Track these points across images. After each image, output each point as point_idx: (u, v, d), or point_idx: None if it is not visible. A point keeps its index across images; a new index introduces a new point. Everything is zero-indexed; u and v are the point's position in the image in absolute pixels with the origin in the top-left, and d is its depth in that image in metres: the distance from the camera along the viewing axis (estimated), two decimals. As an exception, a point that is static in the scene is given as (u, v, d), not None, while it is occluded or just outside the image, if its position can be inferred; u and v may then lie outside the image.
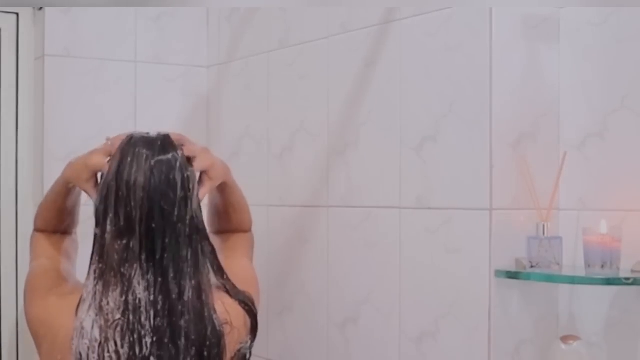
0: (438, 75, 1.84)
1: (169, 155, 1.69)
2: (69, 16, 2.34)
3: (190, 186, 1.70)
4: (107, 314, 1.62)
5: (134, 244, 1.64)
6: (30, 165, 2.38)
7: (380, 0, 1.96)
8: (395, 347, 1.92)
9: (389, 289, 1.94)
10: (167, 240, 1.65)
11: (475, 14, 1.76)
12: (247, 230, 1.99)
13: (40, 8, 2.33)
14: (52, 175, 2.28)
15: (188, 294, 1.65)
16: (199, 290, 1.67)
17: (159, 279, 1.64)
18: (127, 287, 1.63)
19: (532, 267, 1.73)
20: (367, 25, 2.00)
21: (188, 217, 1.68)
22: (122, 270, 1.64)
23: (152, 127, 1.76)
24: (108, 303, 1.63)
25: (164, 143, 1.71)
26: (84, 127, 2.31)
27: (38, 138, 2.35)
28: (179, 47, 2.51)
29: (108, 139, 1.76)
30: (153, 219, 1.65)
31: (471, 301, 1.76)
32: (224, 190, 1.88)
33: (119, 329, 1.62)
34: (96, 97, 2.37)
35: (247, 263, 1.92)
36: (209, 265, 1.72)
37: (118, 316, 1.62)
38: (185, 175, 1.69)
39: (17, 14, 2.37)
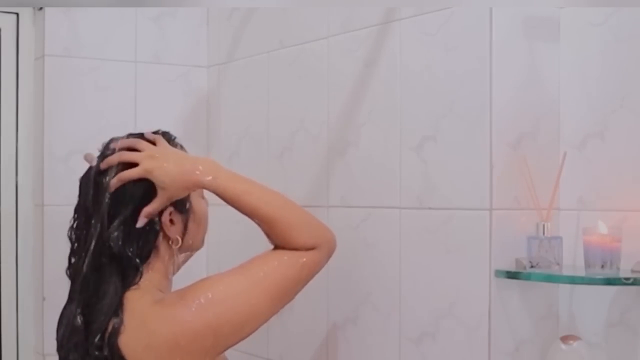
0: (438, 75, 1.83)
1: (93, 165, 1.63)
2: (69, 16, 2.34)
3: (101, 199, 1.57)
4: None
5: None
6: (30, 165, 2.38)
7: (380, 0, 1.96)
8: (395, 347, 1.92)
9: (389, 289, 1.94)
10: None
11: (475, 14, 1.76)
12: (288, 246, 1.65)
13: (40, 8, 2.33)
14: (52, 175, 2.30)
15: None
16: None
17: None
18: None
19: (532, 267, 1.72)
20: (367, 25, 2.00)
21: (99, 232, 1.57)
22: None
23: (152, 127, 1.76)
24: None
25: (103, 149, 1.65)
26: (84, 127, 2.31)
27: (38, 138, 2.35)
28: (179, 47, 2.51)
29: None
30: None
31: (471, 301, 1.76)
32: (225, 198, 1.64)
33: None
34: (96, 97, 2.37)
35: (227, 280, 1.60)
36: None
37: None
38: (101, 184, 1.59)
39: (17, 14, 2.38)
